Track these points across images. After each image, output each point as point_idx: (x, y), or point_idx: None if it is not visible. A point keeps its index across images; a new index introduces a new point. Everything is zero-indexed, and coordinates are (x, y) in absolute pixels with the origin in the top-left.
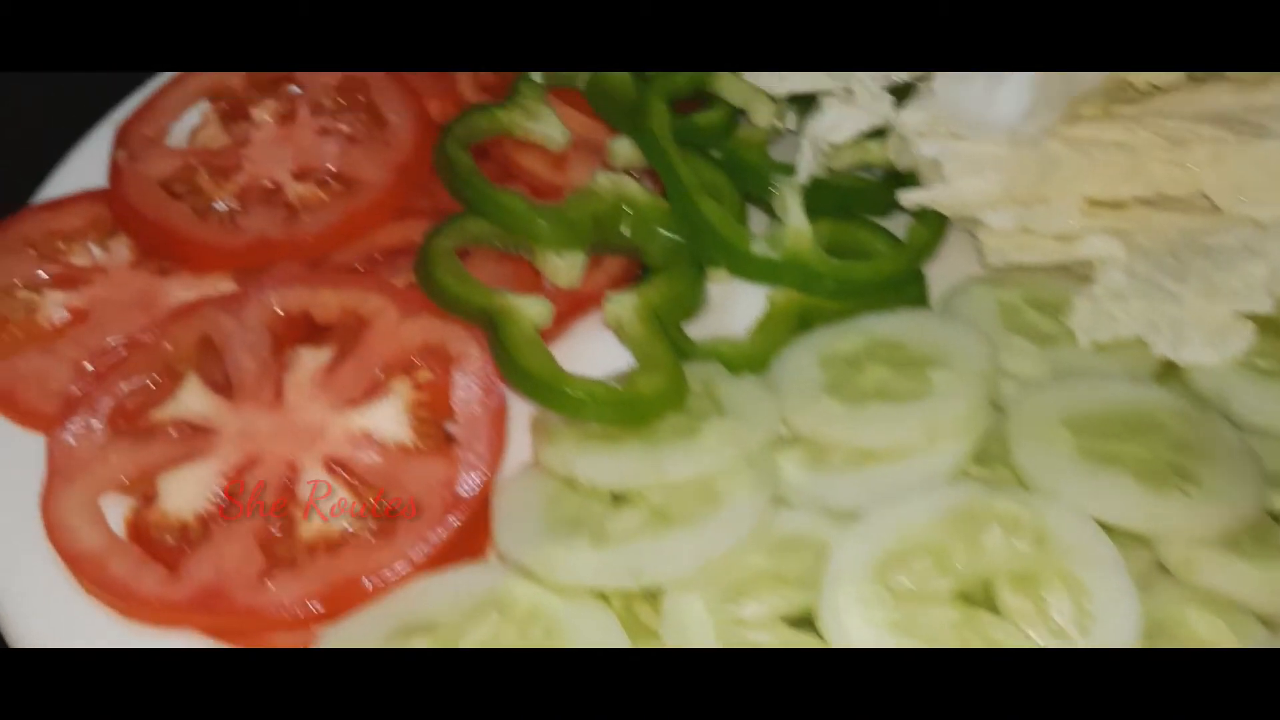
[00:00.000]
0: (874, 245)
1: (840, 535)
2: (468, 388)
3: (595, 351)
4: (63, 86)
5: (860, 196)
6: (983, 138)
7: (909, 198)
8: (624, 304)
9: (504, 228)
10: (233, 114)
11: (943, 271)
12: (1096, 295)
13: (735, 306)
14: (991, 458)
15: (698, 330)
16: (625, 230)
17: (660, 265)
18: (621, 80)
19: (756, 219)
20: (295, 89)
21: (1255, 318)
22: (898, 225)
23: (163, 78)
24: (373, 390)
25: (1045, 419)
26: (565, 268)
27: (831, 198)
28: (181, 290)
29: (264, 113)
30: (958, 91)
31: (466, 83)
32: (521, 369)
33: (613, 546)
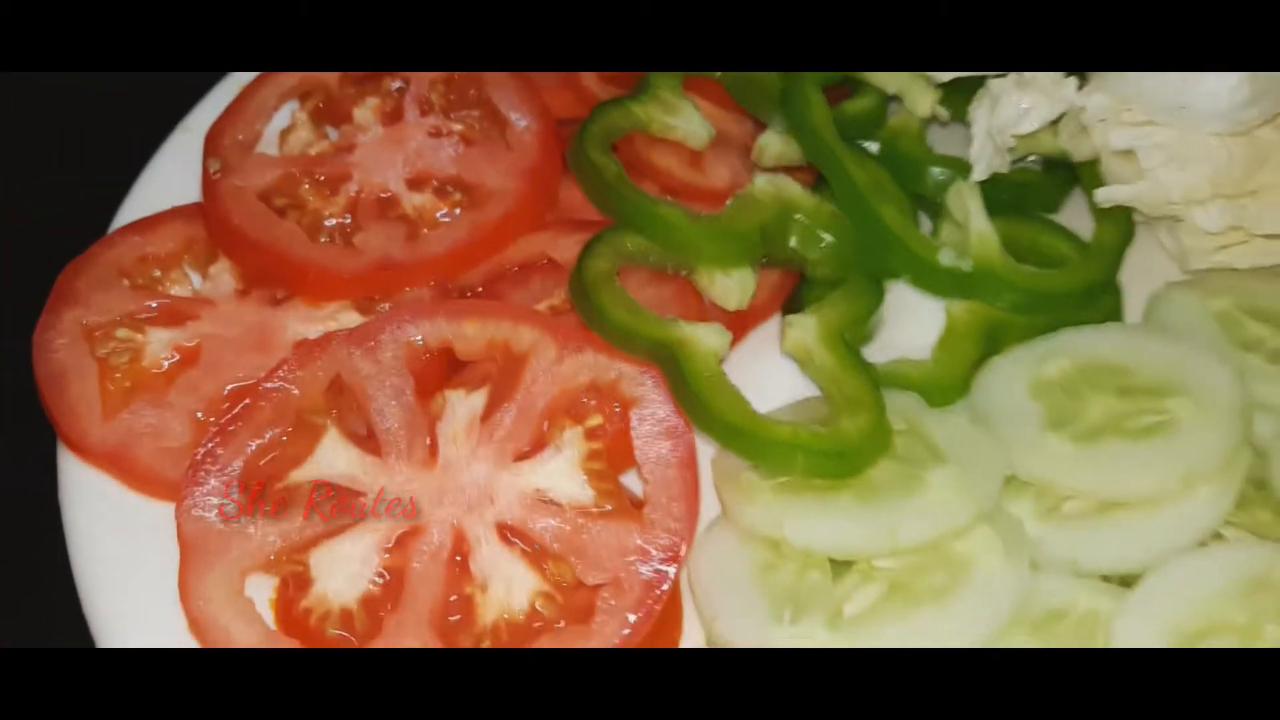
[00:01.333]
0: (1057, 248)
1: (1118, 608)
2: (651, 435)
3: (758, 379)
4: (123, 87)
5: (1033, 191)
6: (1185, 126)
7: (1107, 195)
8: (806, 328)
9: (663, 244)
10: (328, 114)
11: (1131, 277)
12: None
13: (908, 320)
14: (1251, 503)
15: (873, 348)
16: (793, 241)
17: (827, 278)
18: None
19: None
20: (398, 84)
21: None
22: (1068, 219)
23: (233, 78)
24: (539, 441)
25: None
26: (734, 287)
27: (1005, 194)
28: (299, 323)
29: (367, 112)
30: (1147, 74)
31: (589, 75)
32: (712, 412)
33: (853, 630)
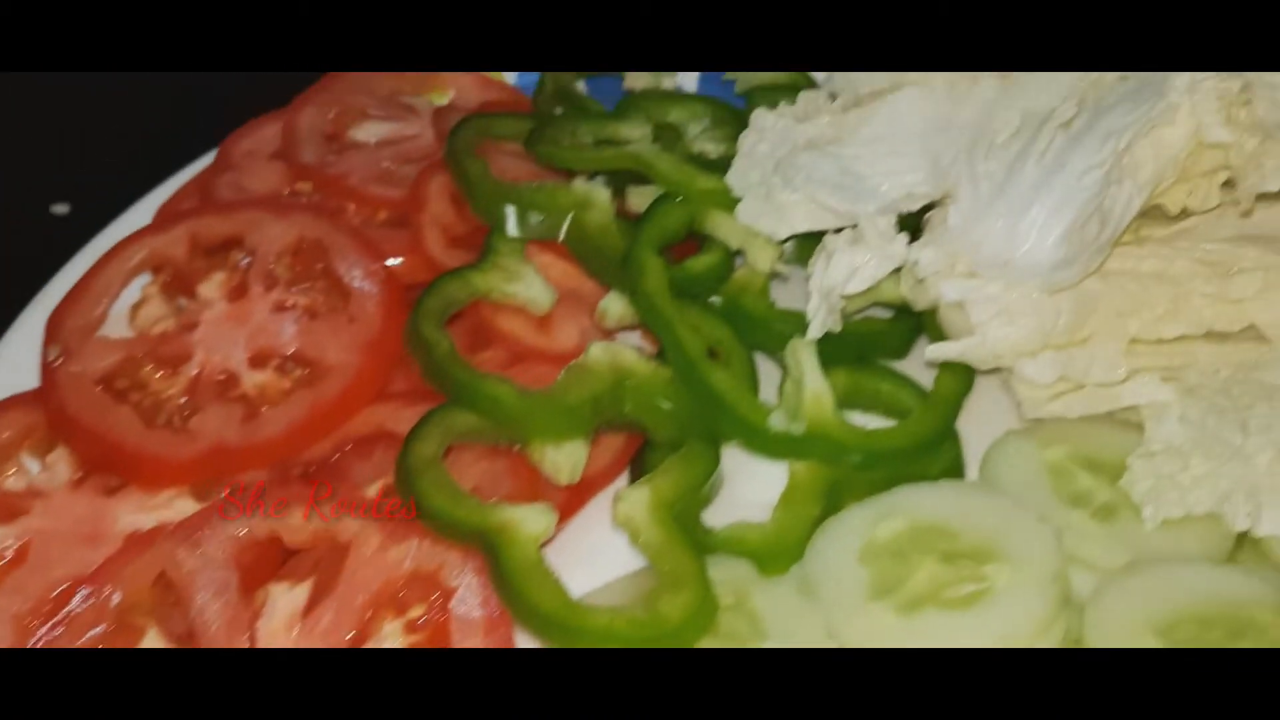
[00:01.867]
0: (898, 398)
1: None
2: (467, 627)
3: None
4: None
5: (878, 340)
6: (1011, 281)
7: (936, 353)
8: (635, 502)
9: (492, 421)
10: (177, 287)
11: (975, 424)
12: (1153, 454)
13: (751, 475)
14: None
15: (715, 509)
16: (628, 409)
17: (667, 442)
18: (606, 229)
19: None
20: (244, 259)
21: None
22: (915, 364)
23: (91, 248)
24: (360, 635)
25: (1129, 625)
26: (565, 461)
27: (844, 344)
28: (132, 513)
29: (212, 288)
30: (978, 228)
31: (434, 238)
32: (527, 603)
33: None
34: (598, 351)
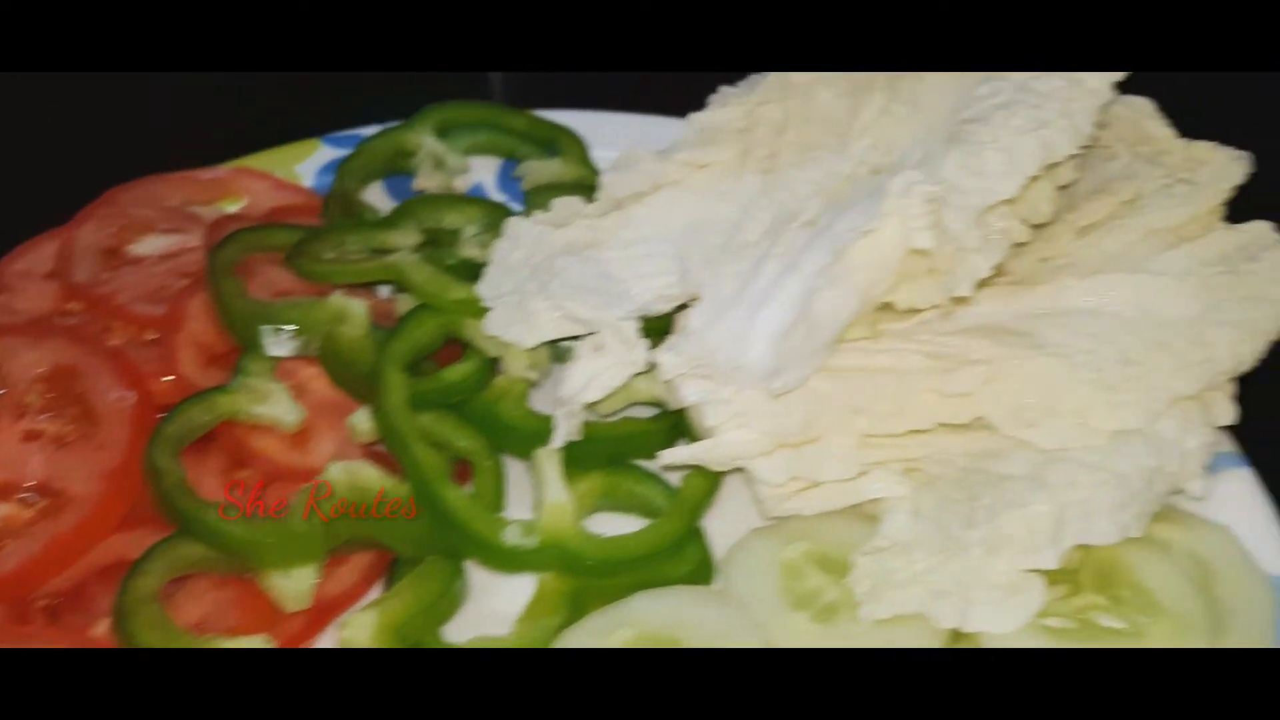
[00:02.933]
0: (650, 499)
1: None
2: None
3: None
4: None
5: (634, 442)
6: (741, 385)
7: (670, 458)
8: (360, 626)
9: (220, 551)
10: None
11: (729, 521)
12: (880, 550)
13: (502, 587)
14: None
15: (461, 620)
16: (366, 529)
17: (409, 559)
18: (359, 344)
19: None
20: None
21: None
22: None
23: None
24: None
25: None
26: (293, 590)
27: (601, 449)
28: None
29: None
30: (713, 331)
31: (190, 359)
32: None
33: None
34: (336, 472)
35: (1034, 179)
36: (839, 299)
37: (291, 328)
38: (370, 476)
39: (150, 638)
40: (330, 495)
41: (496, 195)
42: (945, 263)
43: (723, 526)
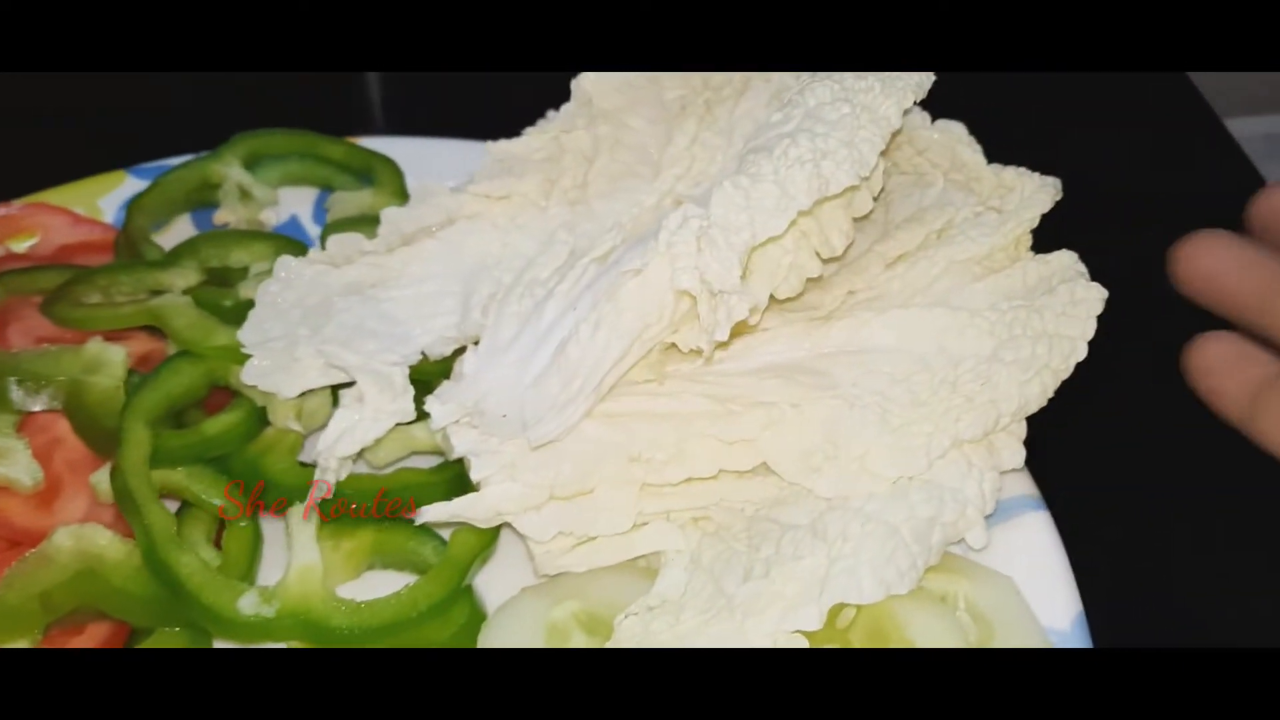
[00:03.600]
0: (421, 554)
1: None
2: None
3: None
4: None
5: (406, 494)
6: (509, 436)
7: (427, 515)
8: None
9: None
10: None
11: (502, 578)
12: (649, 609)
13: None
14: None
15: None
16: (94, 600)
17: (149, 632)
18: (110, 396)
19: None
20: None
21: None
22: None
23: None
24: None
25: None
26: None
27: (370, 500)
28: None
29: None
30: (486, 376)
31: None
32: None
33: None
34: (61, 538)
35: (826, 211)
36: (603, 341)
37: (35, 381)
38: (103, 541)
39: None
40: (55, 564)
41: (312, 229)
42: (706, 306)
43: (500, 582)
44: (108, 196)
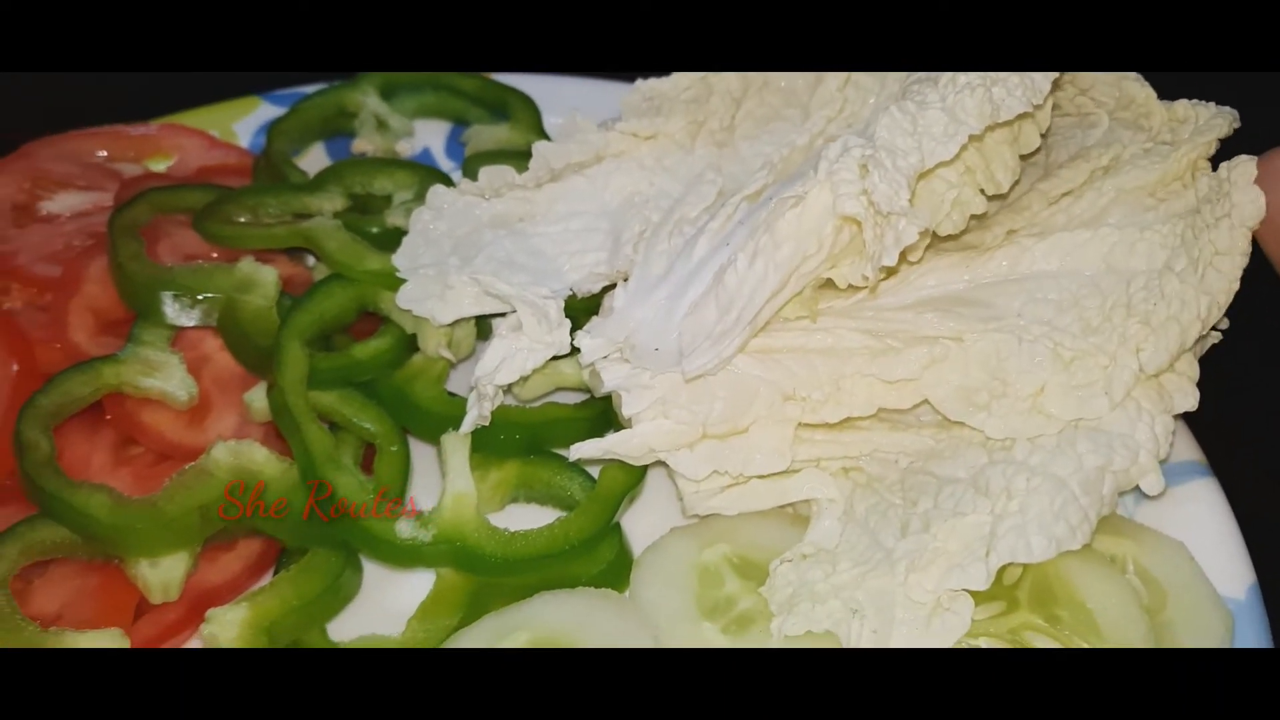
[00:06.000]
0: (568, 491)
1: None
2: None
3: None
4: None
5: (556, 429)
6: (662, 369)
7: (581, 451)
8: (225, 623)
9: (83, 535)
10: None
11: (650, 517)
12: (803, 557)
13: (404, 582)
14: None
15: (356, 615)
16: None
17: (297, 549)
18: (262, 315)
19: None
20: None
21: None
22: None
23: None
24: None
25: None
26: (159, 580)
27: (519, 435)
28: None
29: None
30: (637, 311)
31: (80, 325)
32: None
33: None
34: (220, 453)
35: (991, 145)
36: (760, 272)
37: (191, 296)
38: (259, 458)
39: None
40: (213, 479)
41: (444, 163)
42: (871, 232)
43: (644, 523)
44: (242, 121)
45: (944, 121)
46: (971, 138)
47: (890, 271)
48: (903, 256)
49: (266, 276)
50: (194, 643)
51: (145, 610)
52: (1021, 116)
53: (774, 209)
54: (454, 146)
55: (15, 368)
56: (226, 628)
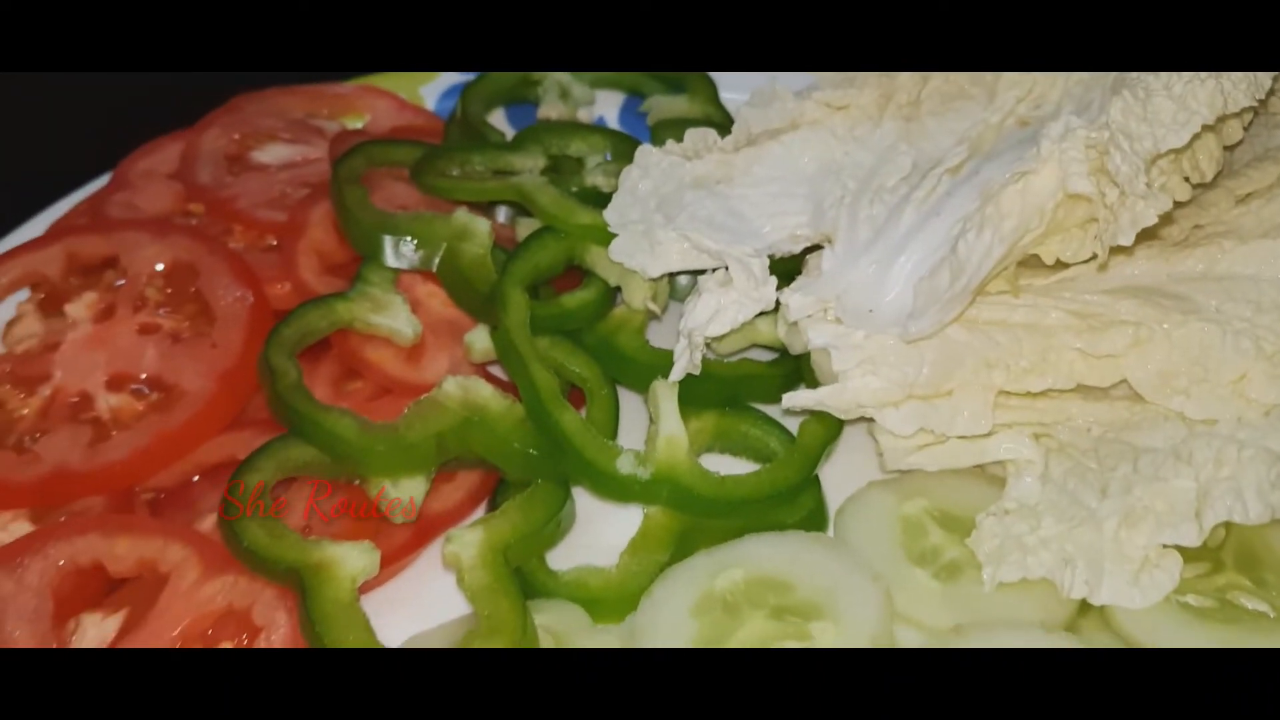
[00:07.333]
0: (765, 443)
1: None
2: None
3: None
4: None
5: (749, 384)
6: (874, 329)
7: (793, 401)
8: (466, 544)
9: (331, 455)
10: (50, 306)
11: (845, 473)
12: (1006, 512)
13: (611, 519)
14: None
15: (567, 549)
16: (477, 447)
17: (518, 481)
18: (480, 262)
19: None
20: (119, 280)
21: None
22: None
23: None
24: None
25: None
26: (401, 499)
27: (718, 388)
28: None
29: (80, 307)
30: (847, 273)
31: (309, 265)
32: (327, 644)
33: None
34: (450, 386)
35: (1198, 135)
36: (987, 243)
37: (413, 241)
38: (485, 393)
39: (255, 534)
40: (446, 410)
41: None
42: (1105, 211)
43: (838, 478)
44: (428, 85)
45: (1173, 110)
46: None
47: (1128, 251)
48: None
49: (481, 226)
50: (420, 564)
51: (379, 530)
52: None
53: (997, 183)
54: (627, 116)
55: (251, 300)
56: (466, 547)
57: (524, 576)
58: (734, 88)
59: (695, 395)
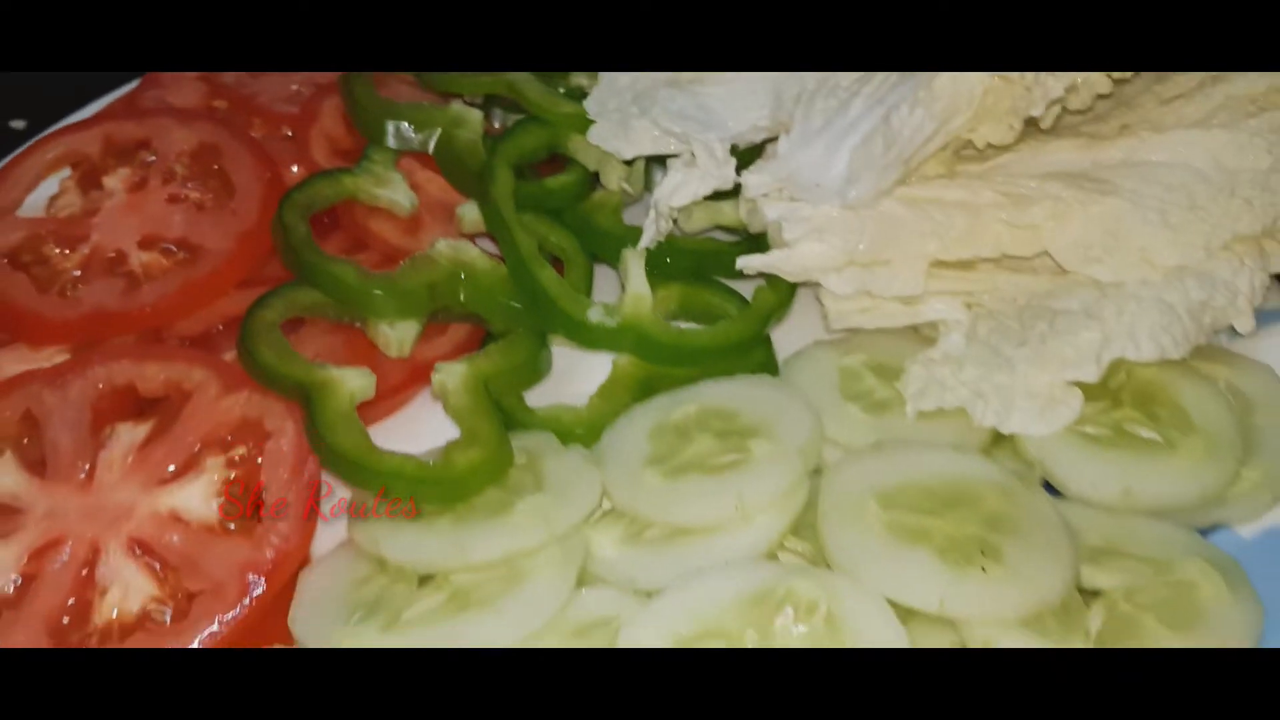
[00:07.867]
0: (724, 309)
1: (632, 618)
2: (277, 466)
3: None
4: None
5: (712, 259)
6: (821, 201)
7: (747, 263)
8: (451, 373)
9: (334, 298)
10: (89, 182)
11: (795, 335)
12: (932, 360)
13: (584, 372)
14: (812, 532)
15: (545, 397)
16: (462, 298)
17: (500, 333)
18: (472, 146)
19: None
20: (150, 158)
21: (1087, 386)
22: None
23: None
24: (186, 468)
25: (856, 492)
26: (396, 338)
27: (683, 261)
28: (13, 364)
29: (116, 180)
30: (799, 155)
31: (320, 148)
32: (329, 446)
33: (403, 631)
34: (442, 246)
35: None
36: (919, 119)
37: (412, 126)
38: (472, 254)
39: (268, 355)
40: (438, 264)
41: None
42: (1023, 91)
43: (790, 341)
44: None
45: None
46: None
47: (1026, 132)
48: (1034, 122)
49: (473, 116)
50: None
51: (376, 364)
52: None
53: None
54: None
55: (268, 176)
56: (453, 376)
57: (504, 411)
58: None
59: (663, 267)
